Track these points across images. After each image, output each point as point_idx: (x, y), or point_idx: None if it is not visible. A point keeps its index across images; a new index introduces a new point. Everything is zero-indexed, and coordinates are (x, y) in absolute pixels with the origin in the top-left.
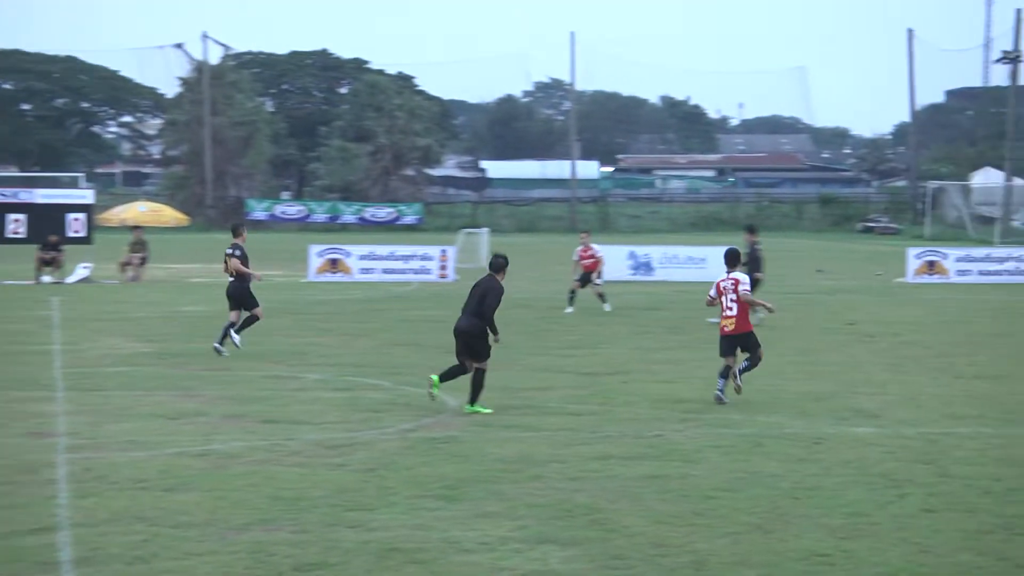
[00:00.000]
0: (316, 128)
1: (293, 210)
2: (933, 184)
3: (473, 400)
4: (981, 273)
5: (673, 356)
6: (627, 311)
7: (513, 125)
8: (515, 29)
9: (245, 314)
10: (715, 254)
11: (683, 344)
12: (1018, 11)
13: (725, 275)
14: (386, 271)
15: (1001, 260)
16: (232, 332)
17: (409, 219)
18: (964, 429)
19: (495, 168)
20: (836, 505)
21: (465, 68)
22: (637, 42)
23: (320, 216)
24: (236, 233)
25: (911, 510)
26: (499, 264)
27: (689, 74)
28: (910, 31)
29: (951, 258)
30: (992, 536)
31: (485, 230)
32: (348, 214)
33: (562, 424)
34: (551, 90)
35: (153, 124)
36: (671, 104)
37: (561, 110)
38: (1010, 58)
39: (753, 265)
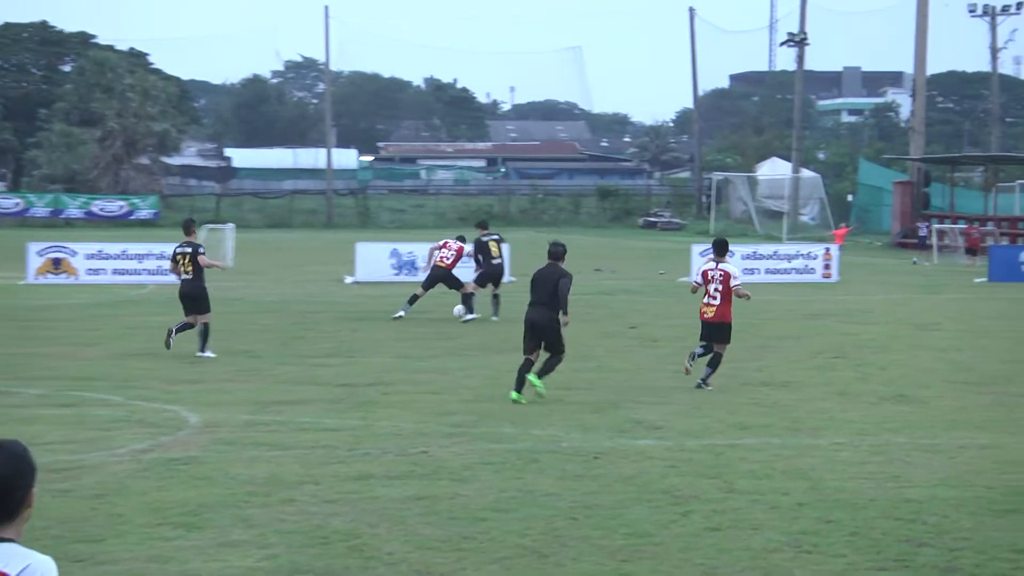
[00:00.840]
0: (35, 111)
1: (9, 203)
2: (718, 176)
3: (542, 374)
4: (768, 272)
5: (440, 364)
6: (389, 315)
7: (261, 109)
8: (263, 2)
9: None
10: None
11: (450, 351)
12: None
13: (713, 264)
14: (117, 272)
15: (789, 257)
16: (202, 348)
17: (143, 213)
18: (751, 440)
19: (242, 157)
20: (616, 525)
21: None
22: (399, 19)
23: (40, 210)
24: (189, 231)
25: (695, 528)
26: (561, 251)
27: (456, 54)
28: (692, 10)
29: (736, 256)
30: (779, 554)
31: (230, 226)
32: (73, 208)
33: (317, 441)
34: (304, 70)
35: None
36: (437, 87)
37: (315, 92)
38: (796, 41)
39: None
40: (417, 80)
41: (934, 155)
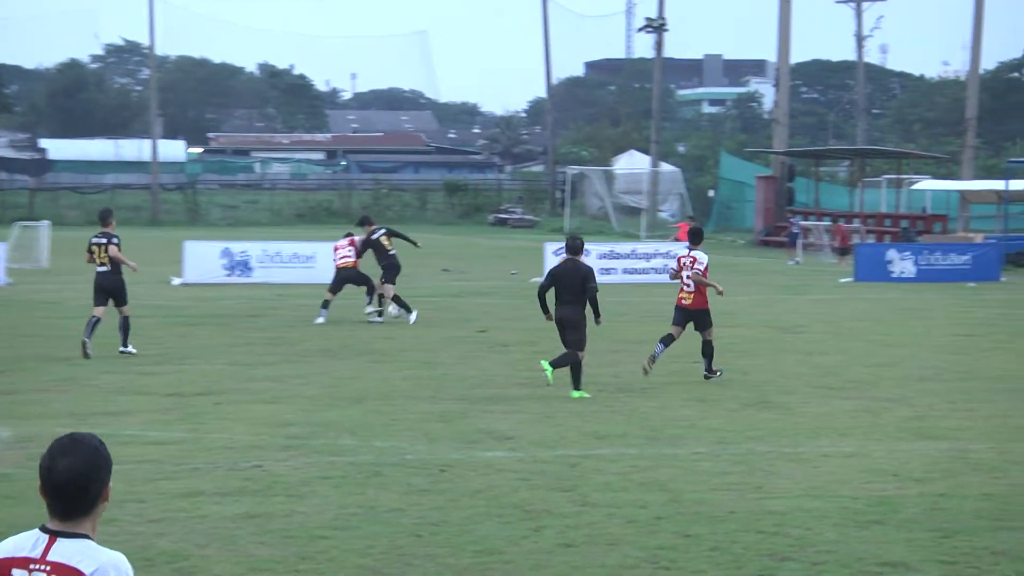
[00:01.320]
0: None
1: None
2: (573, 170)
3: (556, 365)
4: (626, 271)
5: (275, 372)
6: (221, 319)
7: (80, 96)
8: None
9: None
10: (325, 251)
11: (287, 358)
12: None
13: (687, 251)
14: None
15: (648, 256)
16: (88, 335)
17: None
18: (606, 450)
19: (58, 148)
20: (465, 542)
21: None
22: (226, 1)
23: None
24: (106, 221)
25: (548, 545)
26: (579, 245)
27: (292, 38)
28: None
29: (592, 255)
30: (636, 571)
31: (46, 223)
32: None
33: (142, 456)
34: (126, 55)
35: None
36: (271, 73)
37: (139, 79)
38: (654, 26)
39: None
40: (250, 66)
41: (798, 148)
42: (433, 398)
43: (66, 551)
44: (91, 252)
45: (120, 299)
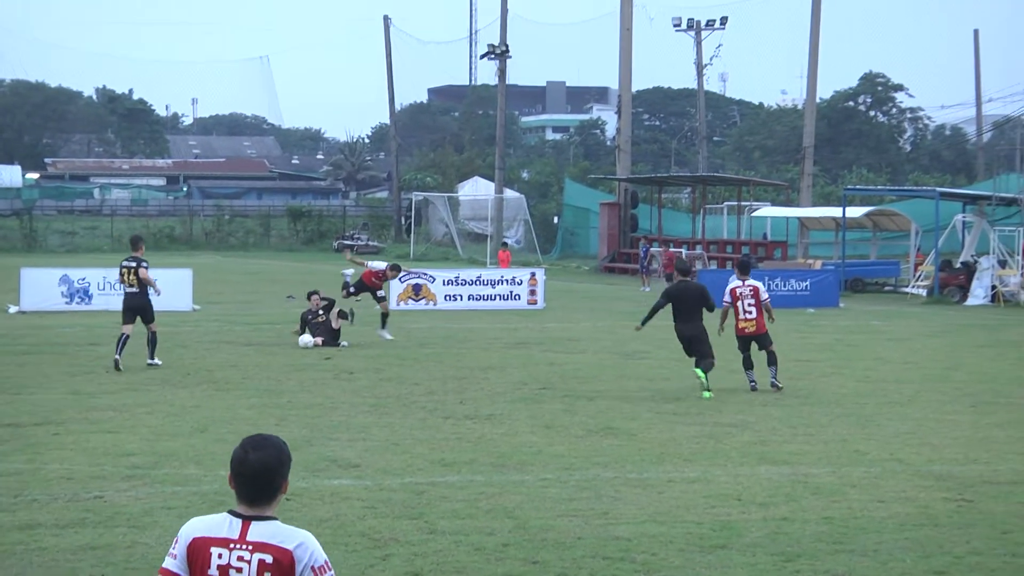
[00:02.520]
0: None
1: None
2: (417, 196)
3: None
4: (472, 298)
5: (116, 401)
6: (60, 347)
7: None
8: None
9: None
10: (166, 277)
11: (129, 386)
12: (504, 0)
13: (739, 282)
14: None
15: (493, 283)
16: (119, 352)
17: None
18: (454, 477)
19: None
20: None
21: None
22: (67, 24)
23: None
24: (136, 246)
25: (395, 573)
26: (688, 267)
27: (130, 63)
28: (386, 18)
29: (439, 281)
30: None
31: None
32: None
33: None
34: None
35: None
36: (110, 98)
37: None
38: (497, 53)
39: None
40: (88, 90)
41: (641, 175)
42: (278, 426)
43: (263, 532)
44: (121, 274)
45: (148, 317)
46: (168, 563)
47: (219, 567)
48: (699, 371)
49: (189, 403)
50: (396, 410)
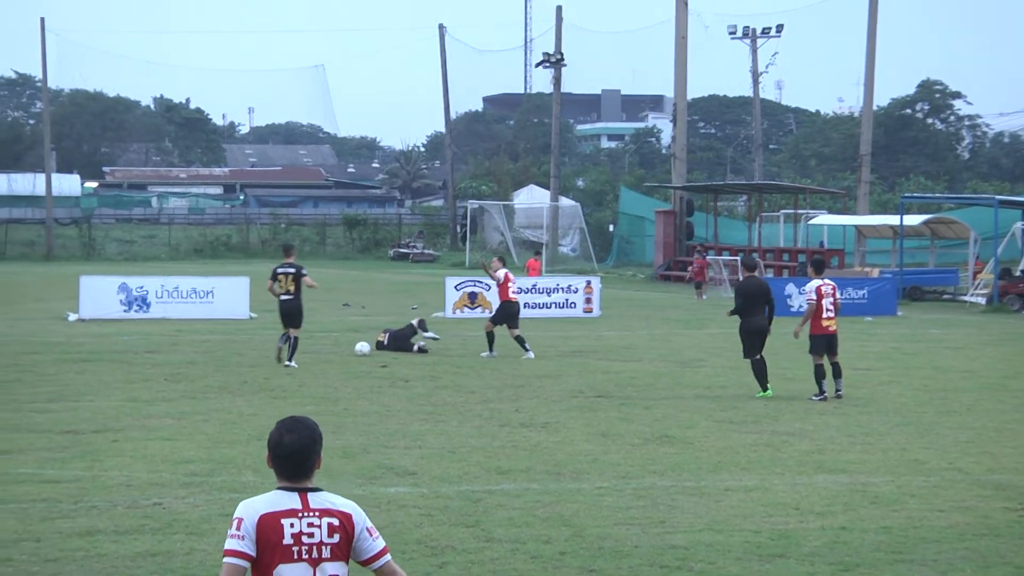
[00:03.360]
0: None
1: None
2: (473, 204)
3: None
4: (528, 307)
5: (174, 409)
6: (118, 355)
7: None
8: None
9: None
10: (224, 286)
11: (186, 394)
12: (559, 8)
13: (820, 280)
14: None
15: (549, 291)
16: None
17: None
18: (510, 485)
19: None
20: None
21: None
22: (124, 32)
23: None
24: (289, 253)
25: None
26: (755, 263)
27: (188, 72)
28: (442, 27)
29: (495, 289)
30: None
31: None
32: None
33: (36, 494)
34: (18, 88)
35: None
36: (167, 107)
37: (32, 112)
38: (552, 61)
39: None
40: (146, 100)
41: (697, 183)
42: (334, 434)
43: (321, 500)
44: (277, 280)
45: (296, 322)
46: (235, 544)
47: (293, 535)
48: (769, 389)
49: (246, 411)
50: (452, 418)
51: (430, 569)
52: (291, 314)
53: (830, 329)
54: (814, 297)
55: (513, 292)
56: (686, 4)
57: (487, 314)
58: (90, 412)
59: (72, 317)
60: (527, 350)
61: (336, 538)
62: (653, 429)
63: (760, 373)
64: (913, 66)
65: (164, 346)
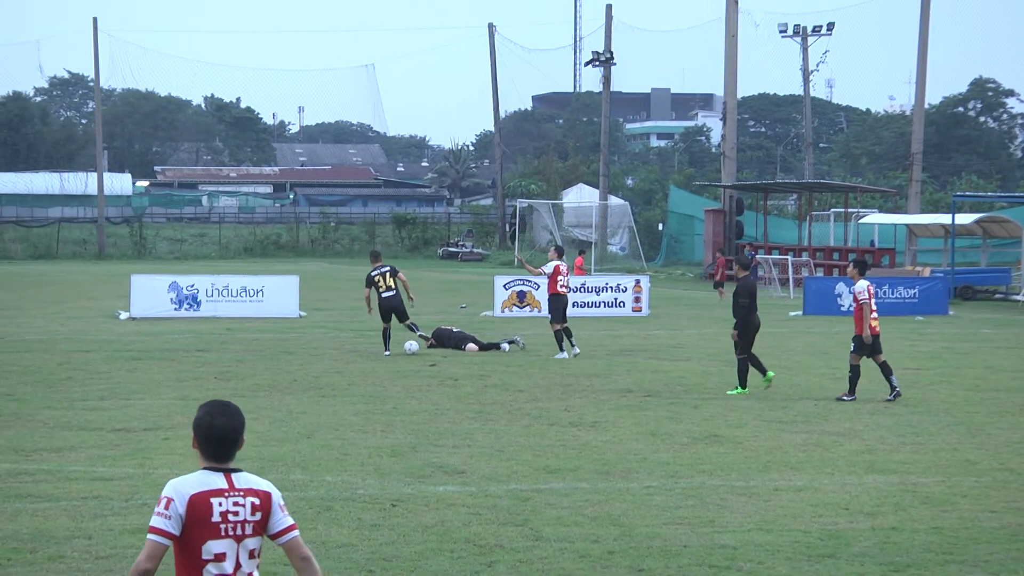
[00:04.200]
0: None
1: None
2: (522, 203)
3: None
4: (576, 305)
5: None
6: (169, 353)
7: (24, 130)
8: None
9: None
10: (273, 284)
11: (236, 392)
12: (608, 7)
13: (868, 281)
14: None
15: (598, 290)
16: (417, 339)
17: None
18: (558, 484)
19: (2, 182)
20: None
21: None
22: (175, 32)
23: None
24: (378, 258)
25: None
26: (749, 262)
27: (239, 71)
28: (491, 26)
29: (543, 288)
30: None
31: None
32: None
33: (88, 491)
34: (71, 87)
35: None
36: (218, 107)
37: (84, 112)
38: (601, 60)
39: None
40: (197, 99)
41: (746, 182)
42: (383, 432)
43: (244, 480)
44: (375, 282)
45: (403, 316)
46: (161, 523)
47: (220, 514)
48: (771, 373)
49: (295, 409)
50: (501, 416)
51: (479, 568)
52: (397, 308)
53: (876, 329)
54: (865, 297)
55: (562, 286)
56: (736, 2)
57: (536, 313)
58: (141, 410)
59: (123, 315)
60: (562, 350)
61: (258, 516)
62: (702, 428)
63: (746, 370)
64: (965, 64)
65: (214, 344)
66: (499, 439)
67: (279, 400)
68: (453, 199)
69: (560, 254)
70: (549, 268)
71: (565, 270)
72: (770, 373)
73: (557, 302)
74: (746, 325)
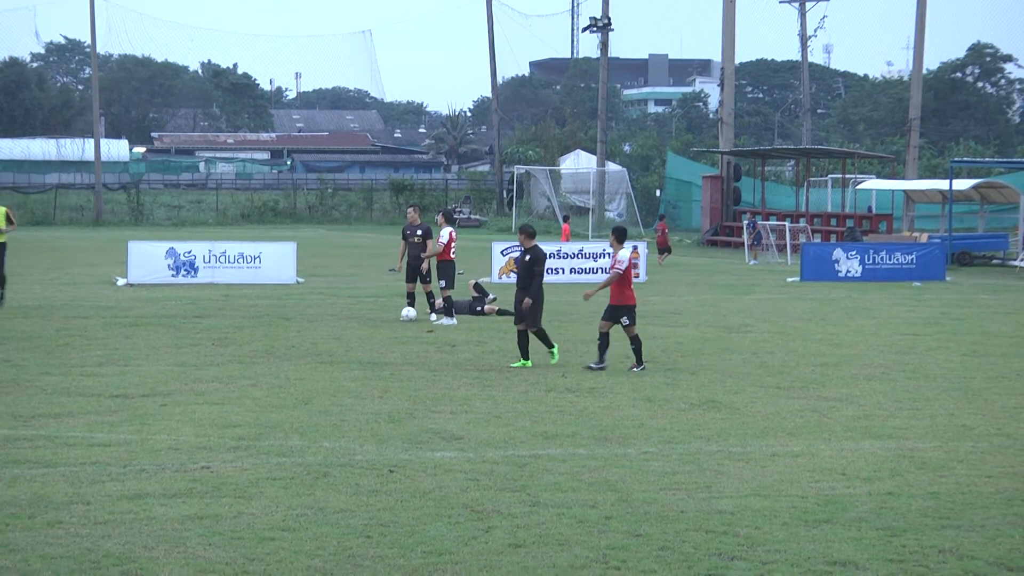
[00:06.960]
0: None
1: None
2: (519, 169)
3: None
4: (574, 271)
5: (222, 373)
6: (166, 320)
7: (20, 96)
8: None
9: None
10: (271, 251)
11: (234, 359)
12: None
13: (628, 250)
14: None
15: (595, 256)
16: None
17: None
18: (556, 450)
19: None
20: (414, 543)
21: None
22: None
23: None
24: (448, 217)
25: (498, 545)
26: (533, 231)
27: (236, 37)
28: None
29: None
30: (586, 571)
31: None
32: None
33: (86, 457)
34: (68, 53)
35: None
36: (215, 73)
37: (81, 78)
38: (599, 26)
39: None
40: (194, 65)
41: (744, 148)
42: (381, 399)
43: None
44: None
45: (424, 278)
46: None
47: None
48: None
49: (293, 375)
50: (498, 383)
51: (476, 533)
52: (438, 270)
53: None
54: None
55: (453, 252)
56: None
57: None
58: (139, 376)
59: (121, 282)
60: (452, 316)
61: None
62: (699, 394)
63: (528, 342)
64: (963, 29)
65: (212, 311)
66: (496, 405)
67: (277, 366)
68: (450, 165)
69: (448, 218)
70: (444, 236)
71: (456, 235)
72: (555, 347)
73: (451, 268)
74: (540, 294)
